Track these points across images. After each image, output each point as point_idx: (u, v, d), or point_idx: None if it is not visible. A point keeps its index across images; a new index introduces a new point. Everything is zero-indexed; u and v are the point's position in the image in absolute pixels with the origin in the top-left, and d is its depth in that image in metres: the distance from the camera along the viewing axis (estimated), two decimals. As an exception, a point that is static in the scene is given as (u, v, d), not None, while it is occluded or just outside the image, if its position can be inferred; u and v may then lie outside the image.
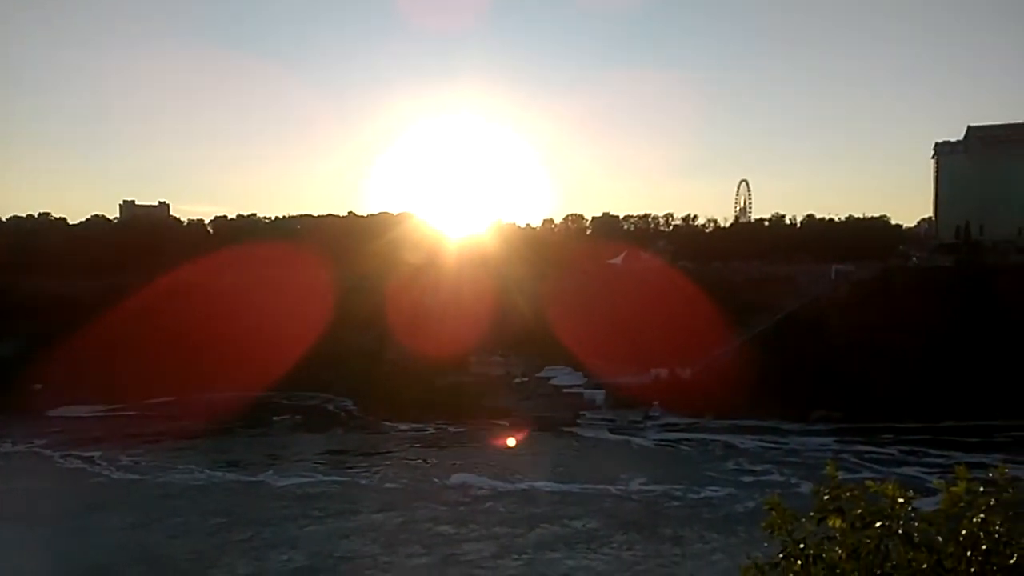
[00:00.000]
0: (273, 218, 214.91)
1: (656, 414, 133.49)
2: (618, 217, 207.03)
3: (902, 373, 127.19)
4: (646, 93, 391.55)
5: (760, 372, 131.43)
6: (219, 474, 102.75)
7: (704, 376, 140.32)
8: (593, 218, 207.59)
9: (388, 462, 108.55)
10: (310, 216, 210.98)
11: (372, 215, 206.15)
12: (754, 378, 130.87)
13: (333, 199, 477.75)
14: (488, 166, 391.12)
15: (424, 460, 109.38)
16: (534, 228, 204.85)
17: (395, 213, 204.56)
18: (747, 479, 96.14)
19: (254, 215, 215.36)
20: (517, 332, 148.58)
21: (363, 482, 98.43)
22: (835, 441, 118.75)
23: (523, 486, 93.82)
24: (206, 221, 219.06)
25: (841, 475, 7.39)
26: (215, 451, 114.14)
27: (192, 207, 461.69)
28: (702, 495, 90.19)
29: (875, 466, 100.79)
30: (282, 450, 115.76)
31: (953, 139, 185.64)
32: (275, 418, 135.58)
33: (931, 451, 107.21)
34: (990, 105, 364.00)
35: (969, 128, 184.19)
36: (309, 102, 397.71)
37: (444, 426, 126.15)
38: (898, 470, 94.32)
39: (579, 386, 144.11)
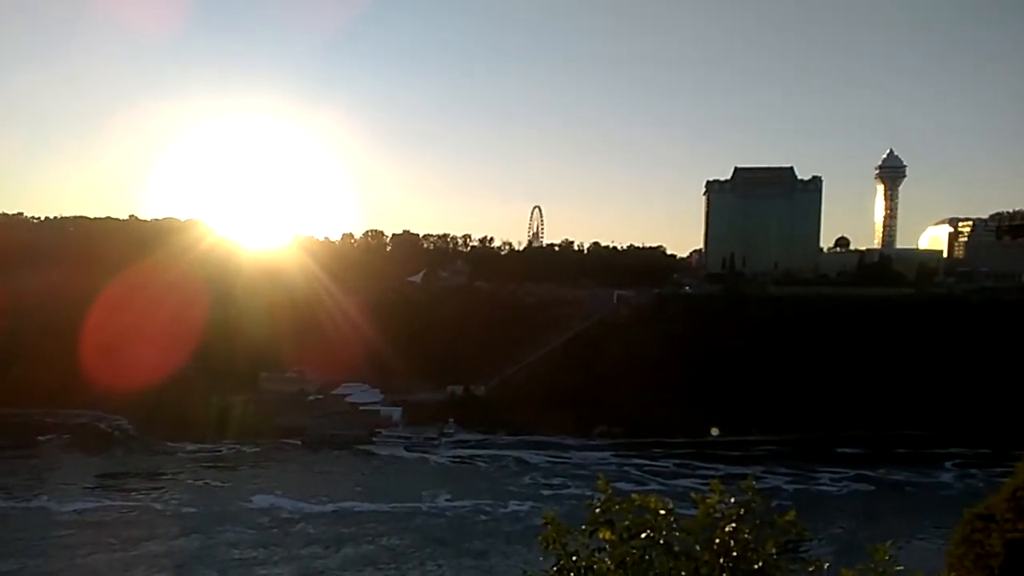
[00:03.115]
0: (43, 218, 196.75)
1: (451, 431, 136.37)
2: (418, 236, 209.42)
3: (673, 391, 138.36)
4: (446, 116, 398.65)
5: (548, 389, 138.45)
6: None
7: (497, 393, 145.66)
8: (393, 235, 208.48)
9: (181, 484, 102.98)
10: (85, 218, 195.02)
11: (156, 220, 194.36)
12: (543, 395, 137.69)
13: (114, 201, 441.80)
14: (287, 178, 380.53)
15: (221, 482, 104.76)
16: (333, 242, 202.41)
17: (182, 219, 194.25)
18: (545, 492, 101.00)
19: (20, 214, 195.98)
20: (314, 347, 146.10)
21: (157, 507, 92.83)
22: (613, 455, 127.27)
23: (331, 507, 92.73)
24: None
25: (630, 487, 9.08)
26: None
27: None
28: (508, 509, 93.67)
29: (658, 479, 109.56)
30: (52, 472, 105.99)
31: (722, 178, 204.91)
32: (39, 437, 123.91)
33: (699, 464, 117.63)
34: (754, 149, 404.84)
35: (736, 169, 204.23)
36: (74, 98, 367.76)
37: (237, 446, 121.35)
38: (675, 482, 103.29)
39: (376, 403, 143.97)
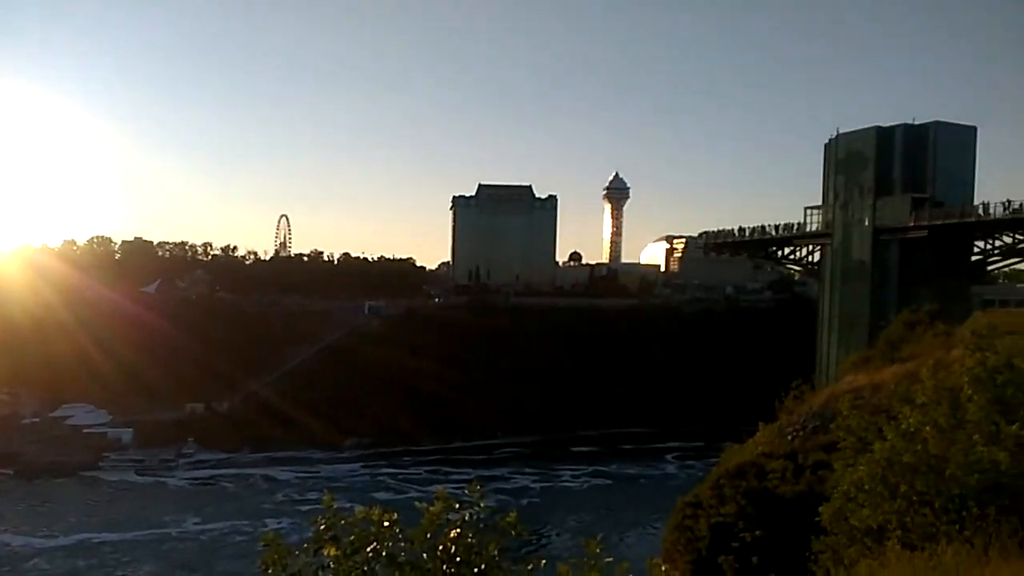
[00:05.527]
0: None
1: (190, 451, 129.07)
2: (152, 243, 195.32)
3: (421, 400, 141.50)
4: (184, 115, 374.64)
5: (296, 403, 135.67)
6: None
7: (242, 409, 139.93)
8: (123, 242, 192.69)
9: None
10: None
11: None
12: (291, 409, 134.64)
13: None
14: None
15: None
16: (52, 249, 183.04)
17: None
18: (303, 508, 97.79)
19: None
20: (32, 366, 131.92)
21: None
22: (363, 467, 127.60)
23: (64, 539, 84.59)
24: None
25: (387, 497, 9.85)
26: None
27: None
28: (266, 528, 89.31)
29: (414, 486, 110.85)
30: None
31: (468, 194, 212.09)
32: None
33: (450, 469, 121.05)
34: (499, 166, 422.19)
35: (480, 185, 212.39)
36: None
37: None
38: (431, 488, 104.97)
39: (103, 425, 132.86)
